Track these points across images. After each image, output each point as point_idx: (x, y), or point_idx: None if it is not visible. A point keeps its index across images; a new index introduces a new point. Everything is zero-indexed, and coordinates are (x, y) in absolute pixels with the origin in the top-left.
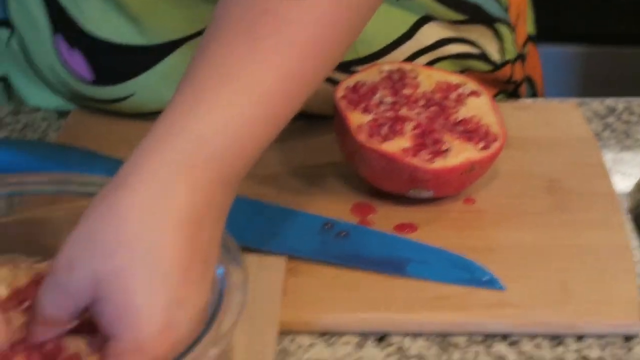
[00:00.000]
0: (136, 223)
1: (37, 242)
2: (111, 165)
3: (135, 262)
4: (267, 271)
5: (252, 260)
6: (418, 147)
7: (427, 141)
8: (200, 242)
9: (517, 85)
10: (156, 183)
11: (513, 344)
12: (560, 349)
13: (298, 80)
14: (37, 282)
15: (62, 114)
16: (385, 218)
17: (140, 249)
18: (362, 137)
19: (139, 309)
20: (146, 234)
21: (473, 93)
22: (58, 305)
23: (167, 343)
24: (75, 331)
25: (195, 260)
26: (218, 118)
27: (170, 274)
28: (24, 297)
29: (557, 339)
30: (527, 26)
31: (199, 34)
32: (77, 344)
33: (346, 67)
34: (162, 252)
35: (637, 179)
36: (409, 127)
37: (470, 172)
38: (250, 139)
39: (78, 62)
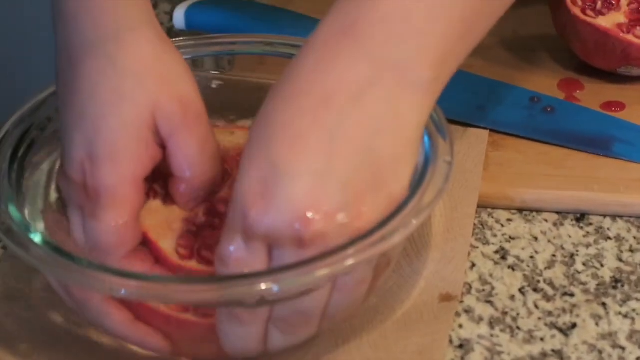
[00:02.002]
0: (269, 96)
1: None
2: None
3: (255, 132)
4: (469, 143)
5: (455, 131)
6: (634, 22)
7: None
8: (321, 115)
9: None
10: (301, 58)
11: None
12: None
13: None
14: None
15: None
16: (592, 95)
17: (262, 120)
18: (576, 10)
19: (241, 174)
20: (266, 104)
21: None
22: None
23: (261, 203)
24: None
25: (311, 132)
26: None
27: (271, 138)
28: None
29: None
30: None
31: None
32: None
33: None
34: (273, 119)
35: None
36: (625, 1)
37: None
38: (403, 12)
39: None
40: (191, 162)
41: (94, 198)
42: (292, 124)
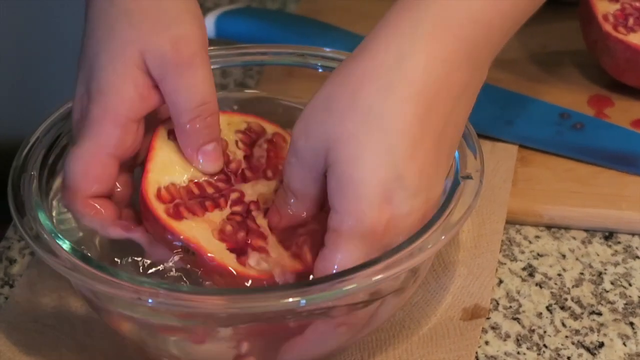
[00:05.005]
0: (371, 91)
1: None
2: (350, 41)
3: (364, 131)
4: (498, 159)
5: (484, 145)
6: None
7: None
8: (433, 119)
9: None
10: (394, 52)
11: None
12: None
13: None
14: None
15: None
16: (622, 112)
17: (371, 118)
18: (608, 27)
19: (358, 182)
20: (378, 103)
21: None
22: (299, 177)
23: (384, 219)
24: None
25: (426, 138)
26: None
27: (395, 147)
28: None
29: None
30: None
31: None
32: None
33: None
34: (392, 124)
35: None
36: None
37: None
38: (498, 10)
39: None
40: (183, 107)
41: (81, 130)
42: (409, 132)
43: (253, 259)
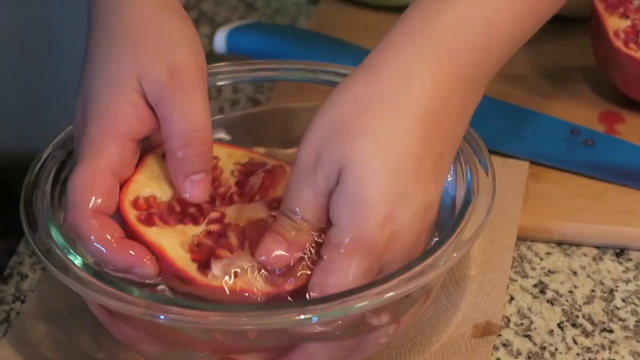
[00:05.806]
0: (381, 113)
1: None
2: (361, 56)
3: (373, 151)
4: (509, 175)
5: (495, 161)
6: None
7: None
8: (435, 140)
9: None
10: (399, 75)
11: None
12: None
13: None
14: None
15: (312, 1)
16: (633, 128)
17: (380, 139)
18: (619, 43)
19: (367, 203)
20: (387, 125)
21: None
22: (308, 198)
23: (385, 237)
24: None
25: (428, 157)
26: (463, 12)
27: (402, 168)
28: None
29: None
30: None
31: None
32: None
33: None
34: (399, 144)
35: None
36: None
37: None
38: (498, 36)
39: None
40: (174, 133)
41: (80, 153)
42: (414, 152)
43: (217, 267)
